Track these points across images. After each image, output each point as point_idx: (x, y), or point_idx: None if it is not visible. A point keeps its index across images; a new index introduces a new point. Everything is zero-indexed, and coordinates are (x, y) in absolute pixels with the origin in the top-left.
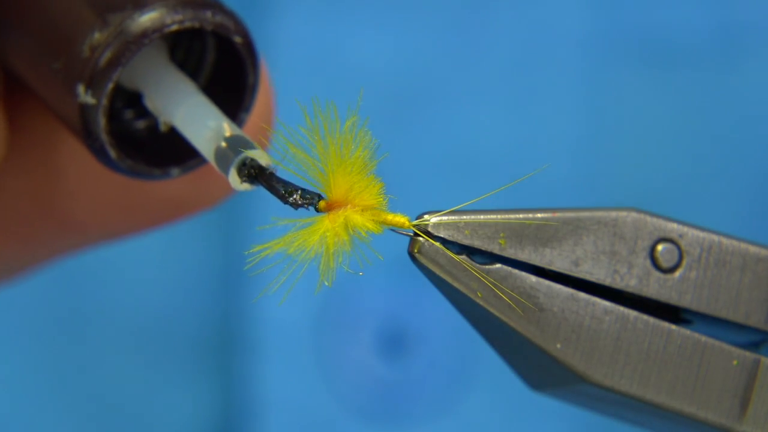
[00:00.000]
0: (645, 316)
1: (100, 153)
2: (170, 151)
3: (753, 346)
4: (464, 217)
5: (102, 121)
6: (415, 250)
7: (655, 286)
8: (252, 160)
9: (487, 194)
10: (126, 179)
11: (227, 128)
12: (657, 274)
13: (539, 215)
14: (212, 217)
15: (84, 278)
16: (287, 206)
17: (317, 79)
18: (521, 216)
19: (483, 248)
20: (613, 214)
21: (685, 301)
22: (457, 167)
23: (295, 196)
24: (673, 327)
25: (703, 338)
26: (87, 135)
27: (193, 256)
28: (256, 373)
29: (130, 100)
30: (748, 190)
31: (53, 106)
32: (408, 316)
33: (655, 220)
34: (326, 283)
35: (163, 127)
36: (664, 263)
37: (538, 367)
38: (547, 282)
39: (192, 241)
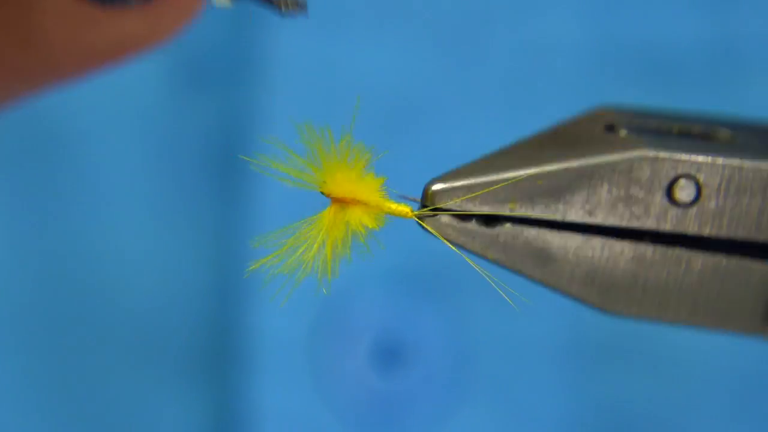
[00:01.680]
0: (663, 248)
1: None
2: None
3: None
4: (472, 181)
5: None
6: (423, 222)
7: (673, 222)
8: None
9: (473, 194)
10: (87, 13)
11: None
12: (675, 210)
13: (548, 168)
14: (207, 226)
15: (75, 286)
16: (274, 12)
17: (314, 93)
18: (532, 171)
19: (493, 213)
20: (628, 159)
21: (705, 230)
22: None
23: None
24: (692, 253)
25: (724, 260)
26: None
27: (187, 266)
28: (251, 384)
29: None
30: None
31: None
32: (404, 328)
33: (671, 156)
34: (327, 282)
35: None
36: (682, 199)
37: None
38: (559, 233)
39: (186, 251)
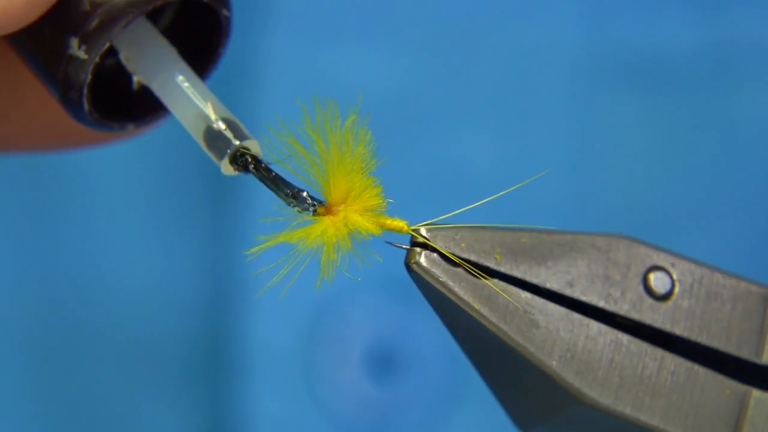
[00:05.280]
0: (638, 340)
1: (72, 103)
2: (126, 101)
3: (743, 377)
4: (461, 229)
5: (89, 77)
6: (412, 261)
7: (648, 312)
8: (248, 150)
9: (476, 204)
10: (53, 107)
11: (212, 107)
12: (650, 300)
13: (534, 234)
14: (202, 237)
15: (72, 297)
16: (280, 200)
17: (308, 100)
18: (517, 232)
19: (479, 262)
20: (606, 239)
21: (678, 328)
22: (448, 189)
23: (289, 193)
24: (666, 353)
25: (696, 366)
26: (67, 87)
27: (182, 275)
28: (246, 393)
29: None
30: (740, 212)
31: (25, 46)
32: (398, 336)
33: (647, 248)
34: (327, 280)
35: (136, 86)
36: (657, 290)
37: (530, 394)
38: (542, 300)
39: (180, 260)
